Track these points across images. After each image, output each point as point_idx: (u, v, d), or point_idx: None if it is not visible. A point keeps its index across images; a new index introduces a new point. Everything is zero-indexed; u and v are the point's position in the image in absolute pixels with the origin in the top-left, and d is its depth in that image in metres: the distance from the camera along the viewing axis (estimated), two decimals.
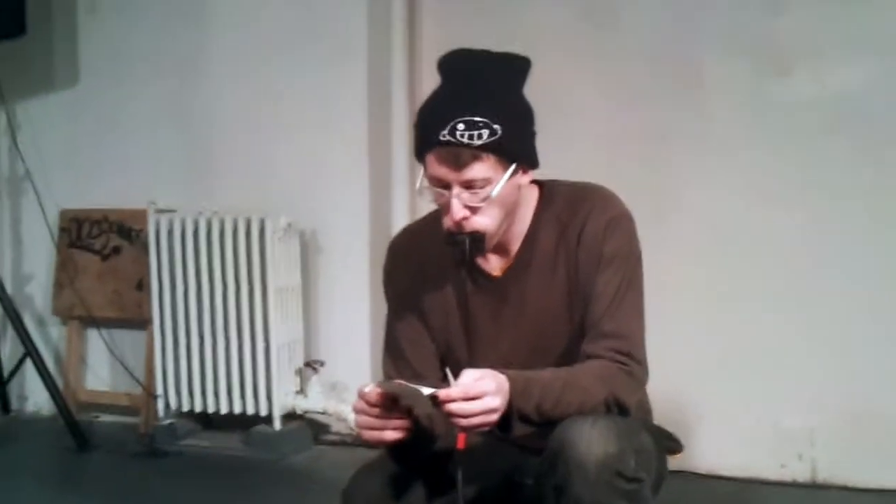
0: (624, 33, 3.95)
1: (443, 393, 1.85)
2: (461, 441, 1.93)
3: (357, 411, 1.96)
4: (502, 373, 1.92)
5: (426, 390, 1.86)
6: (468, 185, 2.01)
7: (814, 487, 3.76)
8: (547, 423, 1.97)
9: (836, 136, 3.68)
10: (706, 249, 3.86)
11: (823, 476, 3.77)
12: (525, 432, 1.99)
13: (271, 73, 4.56)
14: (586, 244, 2.12)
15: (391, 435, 1.95)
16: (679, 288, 3.78)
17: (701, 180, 3.86)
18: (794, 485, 3.79)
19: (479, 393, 1.85)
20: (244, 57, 4.61)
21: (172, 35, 4.73)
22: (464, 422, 1.85)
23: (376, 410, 1.92)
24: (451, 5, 4.20)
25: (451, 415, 1.85)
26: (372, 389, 1.90)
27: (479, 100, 2.00)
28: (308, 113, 4.49)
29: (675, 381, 3.47)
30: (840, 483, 3.74)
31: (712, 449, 3.86)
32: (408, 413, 1.93)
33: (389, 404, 1.91)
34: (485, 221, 2.04)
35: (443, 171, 2.01)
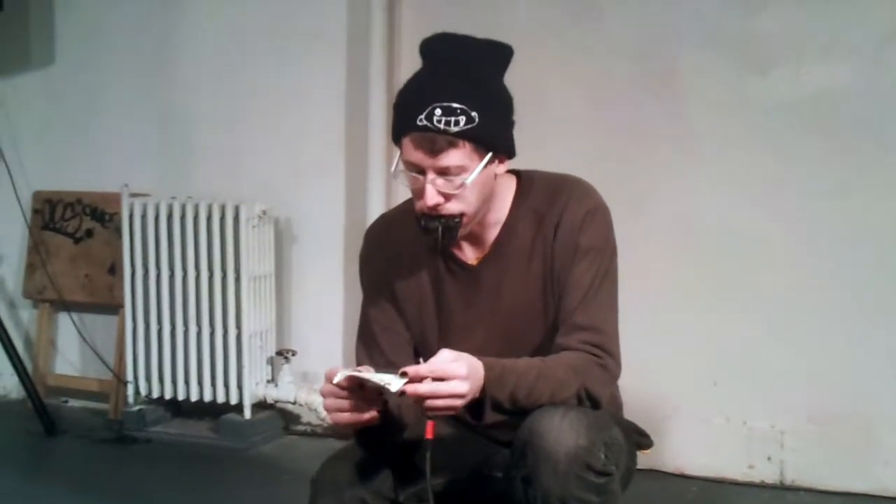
0: (604, 28, 3.94)
1: (412, 370, 1.84)
2: (429, 430, 1.91)
3: (325, 395, 1.95)
4: (479, 359, 1.90)
5: (396, 381, 1.84)
6: (443, 172, 2.00)
7: (781, 489, 3.77)
8: (519, 413, 1.96)
9: (812, 136, 3.69)
10: (680, 247, 3.86)
11: (791, 478, 3.78)
12: (496, 420, 1.98)
13: (249, 59, 4.53)
14: (563, 236, 2.11)
15: (359, 417, 1.94)
16: (652, 284, 3.79)
17: (678, 177, 3.86)
18: (762, 486, 3.80)
19: (447, 374, 1.83)
20: (222, 42, 4.58)
21: (150, 17, 4.70)
22: (429, 404, 1.83)
23: (345, 393, 1.91)
24: None
25: (416, 396, 1.83)
26: (341, 377, 1.89)
27: (459, 86, 1.99)
28: (285, 100, 4.47)
29: (646, 378, 3.47)
30: (808, 485, 3.75)
31: (681, 448, 3.87)
32: (378, 395, 1.93)
33: (358, 388, 1.90)
34: (458, 208, 2.03)
35: (418, 157, 2.00)
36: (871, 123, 3.63)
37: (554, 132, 3.87)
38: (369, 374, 1.89)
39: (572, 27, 3.98)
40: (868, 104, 3.63)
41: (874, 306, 3.65)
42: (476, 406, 1.92)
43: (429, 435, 1.92)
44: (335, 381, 1.89)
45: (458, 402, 1.85)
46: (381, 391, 1.91)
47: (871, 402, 3.65)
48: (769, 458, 3.80)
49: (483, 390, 1.91)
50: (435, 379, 1.83)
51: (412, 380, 1.83)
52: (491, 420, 1.97)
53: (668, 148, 3.87)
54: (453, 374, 1.84)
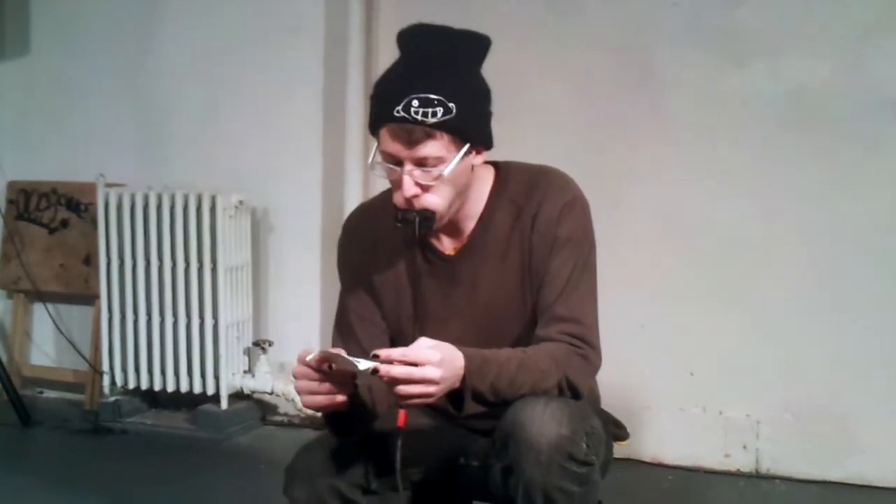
0: (584, 22, 3.95)
1: (383, 352, 1.83)
2: (401, 419, 1.91)
3: (297, 377, 1.94)
4: (459, 349, 1.90)
5: (366, 363, 1.83)
6: (420, 163, 1.99)
7: (757, 478, 3.80)
8: (501, 403, 1.96)
9: (791, 131, 3.70)
10: (659, 240, 3.88)
11: (767, 466, 3.80)
12: (477, 411, 1.98)
13: (227, 49, 4.51)
14: (541, 228, 2.11)
15: (331, 399, 1.93)
16: (631, 276, 3.80)
17: (656, 171, 3.87)
18: (738, 475, 3.83)
19: (419, 359, 1.83)
20: (200, 33, 4.56)
21: (127, 8, 4.67)
22: (402, 389, 1.82)
23: (317, 375, 1.91)
24: None
25: (389, 380, 1.83)
26: (313, 356, 1.88)
27: (436, 77, 1.98)
28: (263, 91, 4.46)
29: (623, 369, 3.48)
30: (783, 474, 3.78)
31: (657, 437, 3.90)
32: (351, 378, 1.92)
33: (330, 370, 1.90)
34: (436, 200, 2.03)
35: (396, 148, 1.99)
36: (850, 118, 3.65)
37: (534, 125, 3.88)
38: (341, 354, 1.88)
39: (552, 21, 3.99)
40: (847, 99, 3.65)
41: (851, 299, 3.67)
42: (457, 396, 1.92)
43: (400, 424, 1.92)
44: (308, 359, 1.88)
45: (432, 389, 1.84)
46: (353, 375, 1.91)
47: (846, 392, 3.68)
48: (745, 448, 3.82)
49: (463, 380, 1.90)
50: (408, 364, 1.83)
51: (383, 361, 1.83)
52: (472, 410, 1.96)
53: (648, 141, 3.88)
54: (426, 359, 1.83)
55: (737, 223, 3.78)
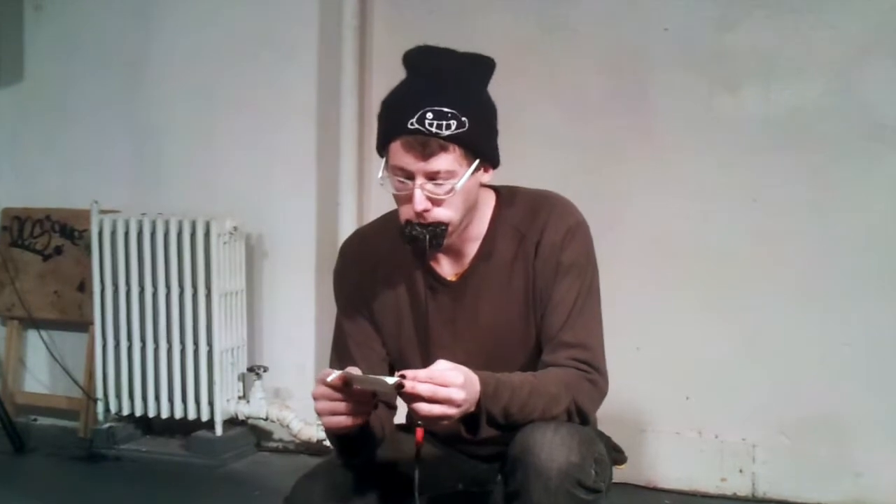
0: (577, 44, 3.96)
1: (410, 373, 1.81)
2: (419, 435, 1.91)
3: (318, 397, 1.91)
4: (475, 372, 1.89)
5: (390, 378, 1.82)
6: (432, 177, 1.98)
7: (754, 501, 3.80)
8: (510, 427, 1.95)
9: (783, 153, 3.72)
10: (652, 262, 3.88)
11: (763, 490, 3.80)
12: (489, 434, 1.96)
13: (220, 75, 4.52)
14: (544, 254, 2.11)
15: (354, 420, 1.91)
16: (625, 299, 3.78)
17: (649, 193, 3.88)
18: (735, 499, 3.82)
19: (445, 381, 1.81)
20: (193, 58, 4.57)
21: (120, 34, 4.69)
22: (425, 408, 1.80)
23: (339, 395, 1.88)
24: (404, 13, 4.20)
25: (413, 398, 1.81)
26: (334, 376, 1.86)
27: (448, 92, 1.98)
28: (257, 117, 4.47)
29: (619, 392, 3.45)
30: (780, 497, 3.77)
31: (654, 461, 3.89)
32: (371, 398, 1.91)
33: (349, 390, 1.88)
34: (446, 214, 2.01)
35: (408, 160, 1.97)
36: (841, 140, 3.66)
37: (527, 147, 3.86)
38: (362, 373, 1.88)
39: (546, 43, 4.00)
40: (837, 121, 3.66)
41: (845, 320, 3.67)
42: (471, 420, 1.91)
43: (419, 439, 1.92)
44: (329, 379, 1.86)
45: (453, 411, 1.82)
46: (373, 395, 1.90)
47: (841, 415, 3.68)
48: (741, 471, 3.82)
49: (478, 404, 1.89)
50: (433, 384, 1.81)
51: (407, 382, 1.81)
52: (486, 434, 1.95)
53: (641, 163, 3.89)
54: (451, 381, 1.81)
55: (730, 244, 3.78)
